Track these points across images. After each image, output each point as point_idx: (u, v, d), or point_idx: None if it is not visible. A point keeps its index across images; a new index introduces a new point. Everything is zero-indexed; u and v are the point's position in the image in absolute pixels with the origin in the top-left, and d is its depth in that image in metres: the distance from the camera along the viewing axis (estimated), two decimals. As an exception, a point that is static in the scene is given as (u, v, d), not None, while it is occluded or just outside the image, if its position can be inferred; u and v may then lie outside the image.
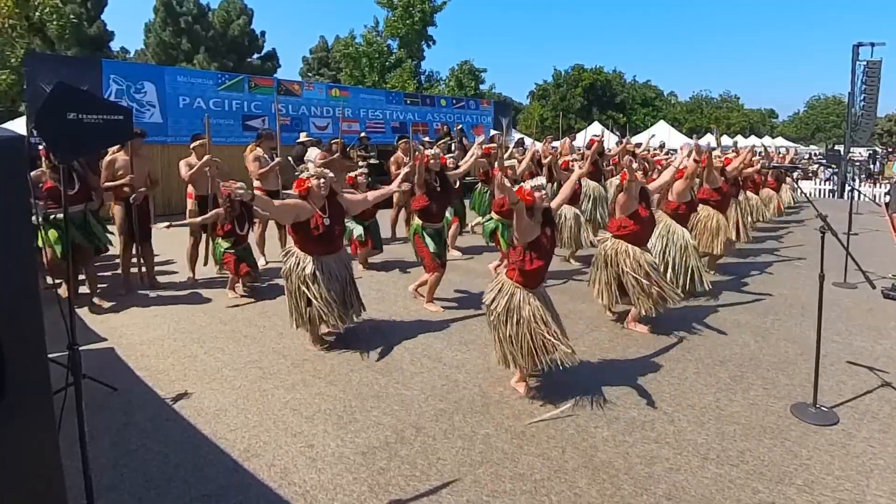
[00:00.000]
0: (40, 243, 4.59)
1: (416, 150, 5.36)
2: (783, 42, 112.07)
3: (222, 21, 33.45)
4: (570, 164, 6.58)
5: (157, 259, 6.22)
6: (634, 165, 4.47)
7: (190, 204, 6.07)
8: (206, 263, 6.02)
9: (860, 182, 17.93)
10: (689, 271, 5.02)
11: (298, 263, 3.98)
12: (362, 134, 12.68)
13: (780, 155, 13.87)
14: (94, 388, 3.25)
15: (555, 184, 6.39)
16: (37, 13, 22.49)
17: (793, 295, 5.66)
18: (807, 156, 28.50)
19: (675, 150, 12.72)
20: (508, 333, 3.25)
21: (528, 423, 3.10)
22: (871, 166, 20.29)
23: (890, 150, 27.09)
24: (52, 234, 4.72)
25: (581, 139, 16.51)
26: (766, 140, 28.14)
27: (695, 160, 5.20)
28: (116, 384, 3.44)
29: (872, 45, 15.46)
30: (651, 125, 31.07)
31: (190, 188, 6.01)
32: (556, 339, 3.19)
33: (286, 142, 7.76)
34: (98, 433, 2.83)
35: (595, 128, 22.29)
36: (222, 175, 5.38)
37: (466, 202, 8.19)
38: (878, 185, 16.90)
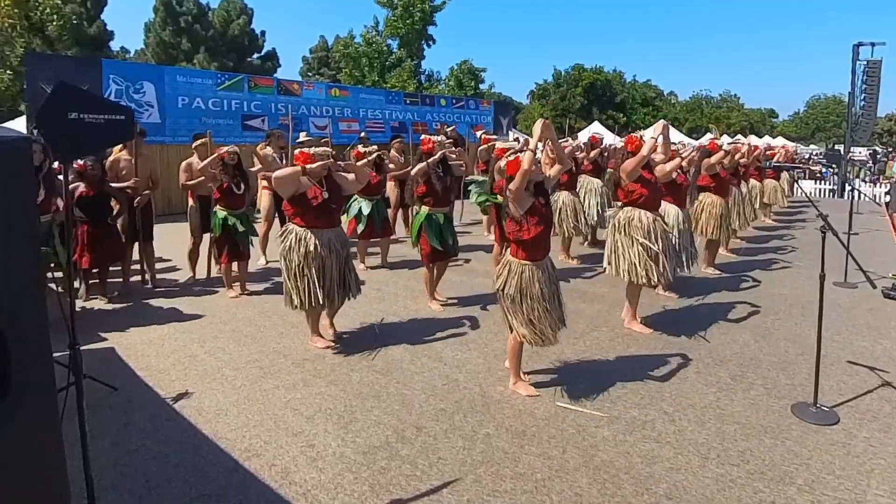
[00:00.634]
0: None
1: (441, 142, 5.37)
2: (783, 42, 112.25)
3: (222, 21, 33.44)
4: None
5: (157, 259, 6.22)
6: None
7: (191, 201, 6.07)
8: (208, 274, 6.02)
9: (871, 175, 17.88)
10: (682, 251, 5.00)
11: (299, 240, 3.89)
12: (362, 133, 12.68)
13: (773, 150, 13.86)
14: (94, 387, 3.25)
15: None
16: (37, 13, 22.50)
17: (793, 294, 5.66)
18: (807, 155, 28.49)
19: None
20: (527, 312, 3.21)
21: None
22: (872, 166, 20.28)
23: (890, 149, 27.10)
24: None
25: (583, 138, 16.51)
26: (767, 140, 28.14)
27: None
28: (116, 384, 3.44)
29: (873, 44, 15.49)
30: (651, 125, 31.05)
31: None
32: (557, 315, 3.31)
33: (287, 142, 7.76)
34: (98, 433, 2.83)
35: (596, 127, 22.31)
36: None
37: (467, 202, 8.25)
38: (878, 184, 16.90)
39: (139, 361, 3.91)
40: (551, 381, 3.60)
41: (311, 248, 3.87)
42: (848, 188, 14.26)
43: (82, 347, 2.34)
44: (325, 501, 2.44)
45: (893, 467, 2.70)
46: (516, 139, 10.78)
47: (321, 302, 3.94)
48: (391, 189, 8.12)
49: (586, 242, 7.76)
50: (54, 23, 23.65)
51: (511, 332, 3.33)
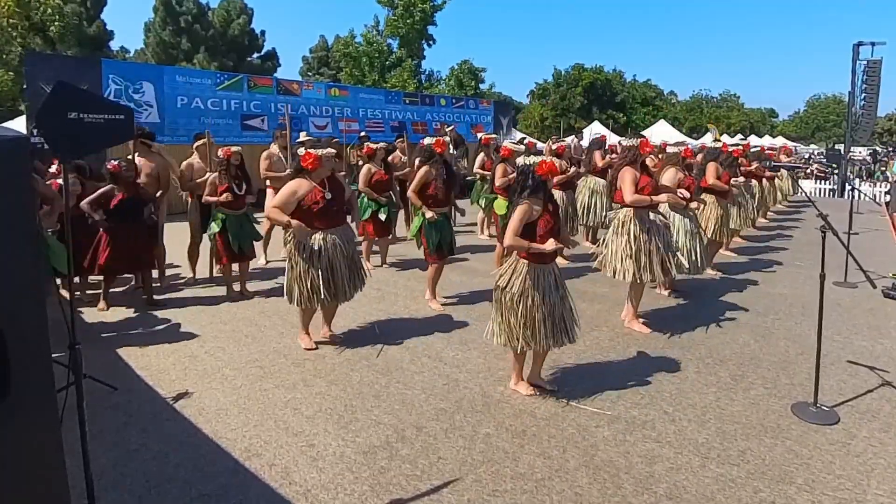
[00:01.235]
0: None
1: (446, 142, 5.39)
2: (783, 42, 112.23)
3: (222, 20, 33.39)
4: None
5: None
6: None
7: (191, 201, 6.06)
8: (211, 274, 6.03)
9: (883, 166, 17.83)
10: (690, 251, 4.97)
11: (304, 243, 3.89)
12: (362, 133, 12.68)
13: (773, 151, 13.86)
14: (94, 387, 3.25)
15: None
16: (37, 13, 22.50)
17: (793, 294, 5.66)
18: (807, 155, 28.48)
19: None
20: (525, 315, 3.16)
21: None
22: (872, 166, 20.28)
23: (890, 149, 27.08)
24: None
25: (586, 137, 16.50)
26: (767, 140, 28.11)
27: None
28: (116, 384, 3.44)
29: (873, 44, 15.48)
30: (651, 124, 31.05)
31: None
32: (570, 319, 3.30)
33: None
34: (98, 433, 2.83)
35: (596, 127, 22.30)
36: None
37: (467, 202, 8.29)
38: (878, 184, 16.90)
39: (139, 361, 3.91)
40: (552, 380, 3.59)
41: (316, 249, 3.88)
42: (848, 188, 14.26)
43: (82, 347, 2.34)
44: (325, 501, 2.44)
45: (893, 467, 2.70)
46: (522, 139, 10.80)
47: (324, 299, 3.91)
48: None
49: (587, 239, 7.75)
50: (56, 23, 23.65)
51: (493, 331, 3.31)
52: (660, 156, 5.26)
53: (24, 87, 12.74)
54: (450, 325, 4.68)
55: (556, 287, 3.27)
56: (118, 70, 10.44)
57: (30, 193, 1.54)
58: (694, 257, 4.95)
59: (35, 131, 6.97)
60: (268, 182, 6.58)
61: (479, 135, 8.47)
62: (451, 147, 9.97)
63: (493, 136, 7.88)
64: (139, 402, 3.31)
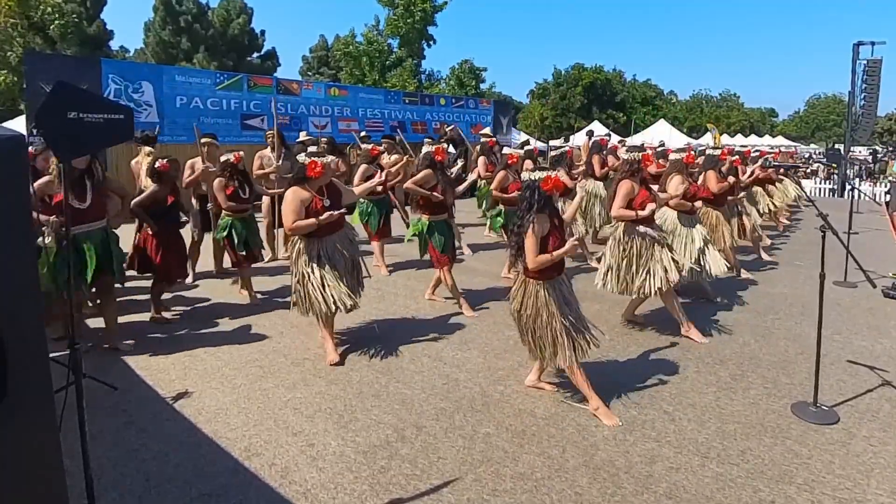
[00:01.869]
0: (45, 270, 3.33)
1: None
2: (783, 42, 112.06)
3: (222, 20, 33.39)
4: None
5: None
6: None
7: (192, 201, 6.07)
8: (217, 270, 6.03)
9: (888, 159, 17.80)
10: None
11: (305, 248, 3.90)
12: (362, 133, 12.69)
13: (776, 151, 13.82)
14: (94, 387, 3.25)
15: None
16: (37, 13, 22.49)
17: (793, 294, 5.66)
18: (807, 155, 28.48)
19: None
20: (545, 330, 3.14)
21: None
22: (872, 166, 20.27)
23: (890, 149, 27.09)
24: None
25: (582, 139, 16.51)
26: (767, 139, 28.12)
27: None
28: (117, 384, 3.44)
29: (873, 43, 15.47)
30: (651, 124, 31.05)
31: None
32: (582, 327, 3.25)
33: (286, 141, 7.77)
34: (98, 433, 2.83)
35: (596, 127, 22.31)
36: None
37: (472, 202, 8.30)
38: (878, 184, 16.90)
39: (139, 361, 3.91)
40: (552, 380, 3.59)
41: (317, 254, 3.88)
42: (848, 188, 14.26)
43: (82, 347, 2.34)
44: (325, 501, 2.44)
45: (893, 467, 2.70)
46: (526, 142, 10.79)
47: (329, 310, 3.87)
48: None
49: (588, 236, 7.71)
50: (56, 23, 23.65)
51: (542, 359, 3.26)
52: (660, 160, 5.27)
53: (24, 86, 12.74)
54: (450, 325, 4.68)
55: (571, 294, 3.27)
56: (118, 70, 10.44)
57: (28, 193, 1.54)
58: (705, 264, 4.89)
59: (35, 131, 6.98)
60: (263, 184, 6.57)
61: (483, 140, 8.44)
62: (449, 146, 10.02)
63: (494, 136, 7.87)
64: (139, 402, 3.31)
